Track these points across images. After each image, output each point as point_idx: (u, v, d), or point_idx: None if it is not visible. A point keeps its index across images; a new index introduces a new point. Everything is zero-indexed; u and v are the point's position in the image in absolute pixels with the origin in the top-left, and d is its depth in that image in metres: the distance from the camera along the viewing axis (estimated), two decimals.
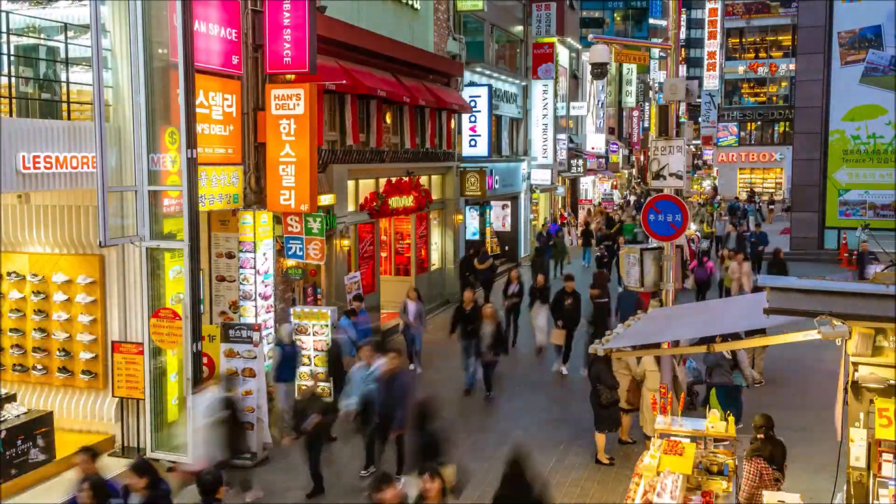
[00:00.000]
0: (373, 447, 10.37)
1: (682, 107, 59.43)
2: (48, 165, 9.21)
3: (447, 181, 21.79)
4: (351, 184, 16.34)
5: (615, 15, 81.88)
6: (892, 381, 6.07)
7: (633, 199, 48.49)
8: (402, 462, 9.77)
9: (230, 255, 12.91)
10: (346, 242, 15.75)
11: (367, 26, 16.62)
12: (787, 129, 50.97)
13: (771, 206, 45.78)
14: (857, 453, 6.25)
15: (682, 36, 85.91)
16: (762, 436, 8.20)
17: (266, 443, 11.08)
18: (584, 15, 59.73)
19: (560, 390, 14.42)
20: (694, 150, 70.69)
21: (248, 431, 10.85)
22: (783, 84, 53.68)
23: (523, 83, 29.58)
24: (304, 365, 12.94)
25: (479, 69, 24.55)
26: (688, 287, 21.34)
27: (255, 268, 12.72)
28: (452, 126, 21.87)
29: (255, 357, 11.04)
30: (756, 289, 12.99)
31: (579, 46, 37.61)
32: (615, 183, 52.30)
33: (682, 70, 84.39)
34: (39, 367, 11.44)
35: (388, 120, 18.05)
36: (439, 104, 19.67)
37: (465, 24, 23.96)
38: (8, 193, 9.63)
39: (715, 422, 8.74)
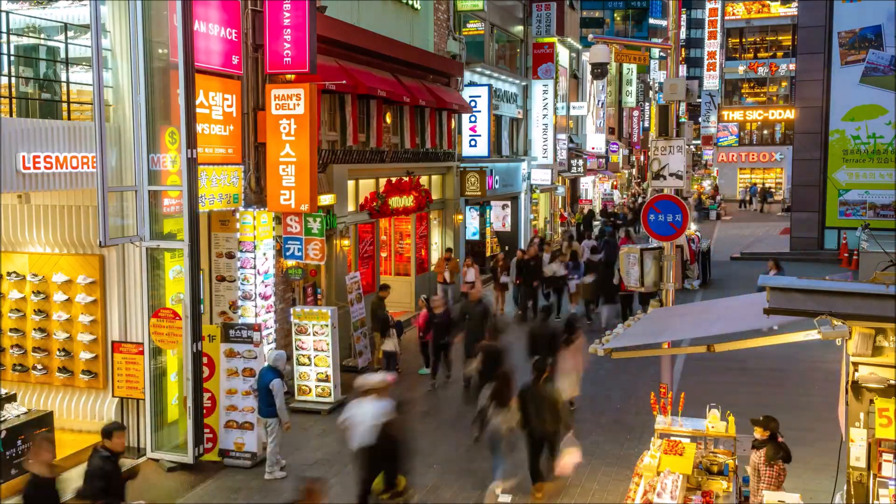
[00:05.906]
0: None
1: (682, 107, 59.49)
2: (48, 165, 9.22)
3: (447, 181, 21.78)
4: (351, 184, 16.33)
5: (615, 15, 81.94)
6: (892, 381, 6.07)
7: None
8: None
9: (230, 255, 12.91)
10: (346, 242, 15.74)
11: (367, 26, 16.61)
12: (786, 129, 50.97)
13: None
14: (857, 453, 6.24)
15: (682, 36, 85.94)
16: (780, 438, 8.19)
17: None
18: (584, 15, 59.75)
19: None
20: (694, 149, 70.65)
21: (248, 431, 10.88)
22: (783, 84, 53.67)
23: (523, 83, 29.56)
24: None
25: (479, 69, 24.54)
26: (688, 287, 21.37)
27: (255, 268, 12.72)
28: (452, 126, 21.86)
29: (255, 357, 11.03)
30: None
31: (579, 46, 37.58)
32: (615, 183, 52.23)
33: (682, 70, 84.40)
34: (39, 367, 11.44)
35: (388, 120, 18.04)
36: (439, 104, 19.66)
37: (464, 23, 23.96)
38: (8, 193, 9.63)
39: (715, 422, 8.74)
